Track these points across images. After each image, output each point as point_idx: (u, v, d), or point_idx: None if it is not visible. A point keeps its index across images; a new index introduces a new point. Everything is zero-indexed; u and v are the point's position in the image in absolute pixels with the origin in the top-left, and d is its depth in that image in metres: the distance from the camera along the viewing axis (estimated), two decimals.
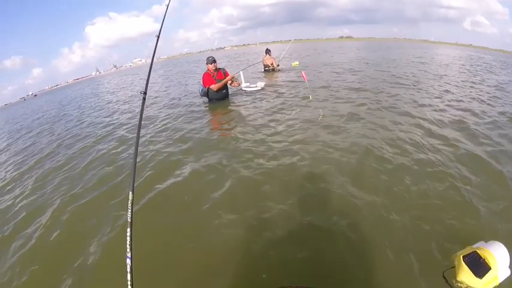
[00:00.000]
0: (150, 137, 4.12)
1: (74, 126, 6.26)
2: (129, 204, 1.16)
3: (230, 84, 5.69)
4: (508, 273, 1.37)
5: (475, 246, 1.46)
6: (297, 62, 11.67)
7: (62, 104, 13.39)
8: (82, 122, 6.56)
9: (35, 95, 57.43)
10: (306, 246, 1.74)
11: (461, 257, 1.40)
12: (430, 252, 1.65)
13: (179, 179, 2.73)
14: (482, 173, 2.50)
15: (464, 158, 2.78)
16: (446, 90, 6.10)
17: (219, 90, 5.50)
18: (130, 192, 1.19)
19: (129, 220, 1.14)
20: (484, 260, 1.36)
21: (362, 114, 4.24)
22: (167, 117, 5.26)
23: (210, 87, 5.42)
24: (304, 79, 4.75)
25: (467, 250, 1.44)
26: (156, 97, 7.89)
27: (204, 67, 5.66)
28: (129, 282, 1.00)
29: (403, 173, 2.49)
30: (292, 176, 2.56)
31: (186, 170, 2.89)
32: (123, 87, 14.39)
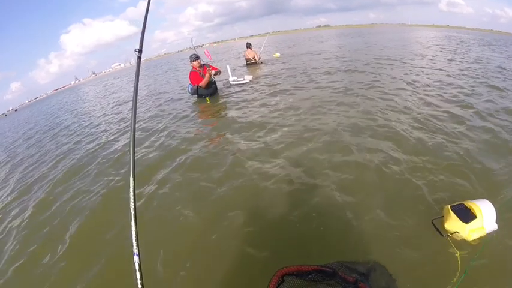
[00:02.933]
0: (147, 135, 4.25)
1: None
2: (131, 193, 1.03)
3: (213, 76, 5.66)
4: (495, 227, 1.48)
5: (463, 201, 1.61)
6: (278, 54, 11.95)
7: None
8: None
9: (16, 110, 55.83)
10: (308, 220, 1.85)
11: (449, 206, 1.58)
12: (423, 206, 1.84)
13: (179, 170, 2.90)
14: (471, 129, 2.96)
15: (452, 117, 3.31)
16: (430, 65, 6.94)
17: (208, 85, 5.66)
18: (131, 178, 1.05)
19: (133, 212, 1.01)
20: (470, 209, 1.52)
21: (356, 90, 4.83)
22: (160, 117, 5.33)
23: (199, 84, 5.56)
24: (208, 58, 5.87)
25: (456, 203, 1.61)
26: (148, 95, 8.06)
27: (188, 66, 5.77)
28: (139, 281, 0.93)
29: (399, 134, 2.92)
30: (292, 158, 2.75)
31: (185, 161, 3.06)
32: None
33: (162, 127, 4.51)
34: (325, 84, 5.66)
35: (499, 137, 2.77)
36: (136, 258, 0.94)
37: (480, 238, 1.48)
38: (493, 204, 1.51)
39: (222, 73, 5.94)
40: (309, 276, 1.06)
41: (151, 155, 3.42)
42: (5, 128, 14.39)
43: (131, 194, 1.02)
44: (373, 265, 1.29)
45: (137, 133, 4.31)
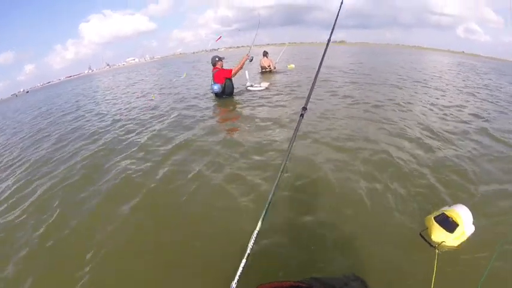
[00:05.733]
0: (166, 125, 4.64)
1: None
2: (255, 233, 0.96)
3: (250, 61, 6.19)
4: (473, 229, 1.62)
5: (442, 209, 1.73)
6: (293, 65, 11.88)
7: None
8: None
9: (27, 92, 56.83)
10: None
11: (433, 217, 1.66)
12: (406, 218, 1.96)
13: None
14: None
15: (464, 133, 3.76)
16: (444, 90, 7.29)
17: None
18: (260, 222, 0.98)
19: (248, 251, 0.93)
20: (451, 218, 1.62)
21: (380, 106, 5.07)
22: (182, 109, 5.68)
23: (232, 73, 5.83)
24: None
25: (436, 212, 1.71)
26: (178, 93, 8.30)
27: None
28: None
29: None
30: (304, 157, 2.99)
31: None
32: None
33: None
34: (346, 96, 5.95)
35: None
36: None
37: (462, 243, 1.60)
38: (468, 207, 1.67)
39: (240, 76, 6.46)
40: None
41: None
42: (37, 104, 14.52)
43: (255, 233, 0.96)
44: (350, 278, 1.27)
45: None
